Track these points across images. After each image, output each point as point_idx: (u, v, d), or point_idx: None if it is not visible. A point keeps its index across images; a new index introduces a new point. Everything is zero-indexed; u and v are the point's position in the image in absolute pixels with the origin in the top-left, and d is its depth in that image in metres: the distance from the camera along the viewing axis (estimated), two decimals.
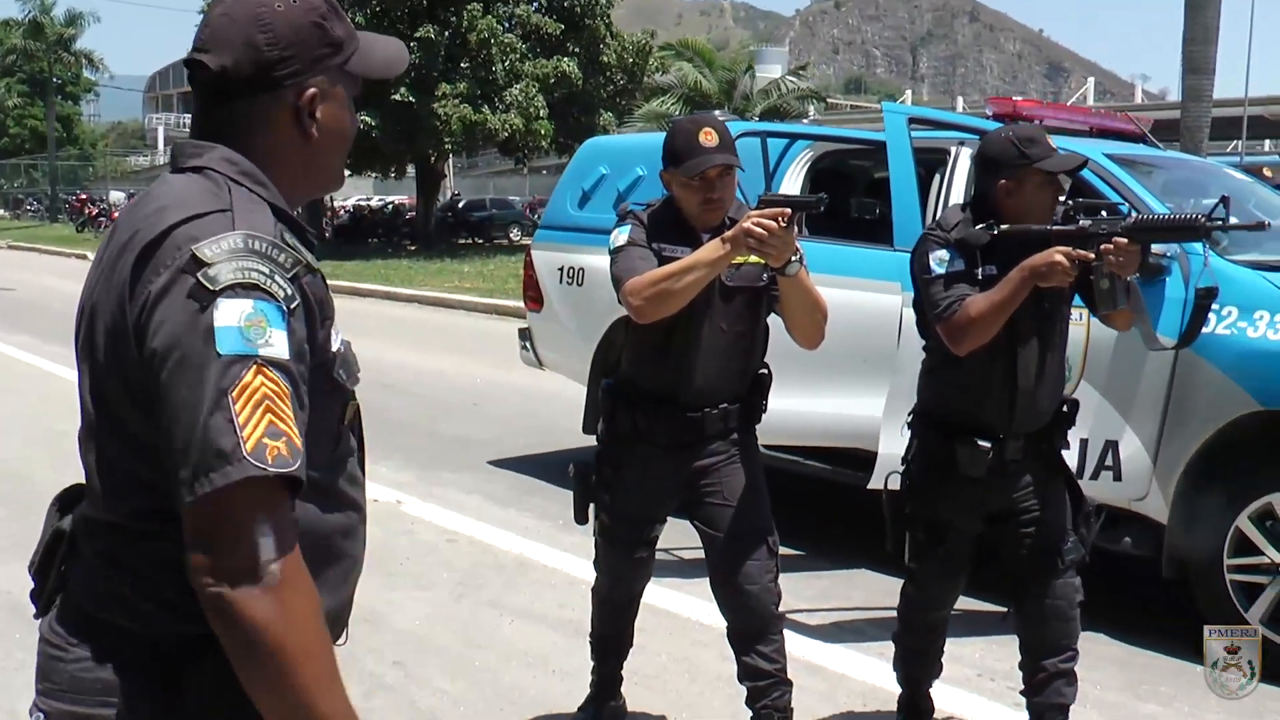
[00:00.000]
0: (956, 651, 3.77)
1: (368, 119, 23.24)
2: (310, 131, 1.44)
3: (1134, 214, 3.07)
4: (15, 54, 51.64)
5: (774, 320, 3.10)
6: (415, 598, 4.61)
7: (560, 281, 6.22)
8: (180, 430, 1.22)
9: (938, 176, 5.02)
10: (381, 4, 23.83)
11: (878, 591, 4.55)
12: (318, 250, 1.43)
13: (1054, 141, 3.13)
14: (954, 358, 3.03)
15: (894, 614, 3.45)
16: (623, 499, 3.17)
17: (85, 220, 34.79)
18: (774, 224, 2.66)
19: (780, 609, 3.11)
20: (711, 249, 2.80)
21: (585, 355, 5.96)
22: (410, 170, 28.68)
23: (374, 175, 30.91)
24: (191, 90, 1.47)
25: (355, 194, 44.37)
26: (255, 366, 1.23)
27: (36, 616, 1.46)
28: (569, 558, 5.00)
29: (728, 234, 2.75)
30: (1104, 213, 2.97)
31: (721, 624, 3.19)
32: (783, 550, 3.17)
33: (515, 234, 30.90)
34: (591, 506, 3.26)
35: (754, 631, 3.07)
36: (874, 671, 3.82)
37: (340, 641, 1.55)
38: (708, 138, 2.90)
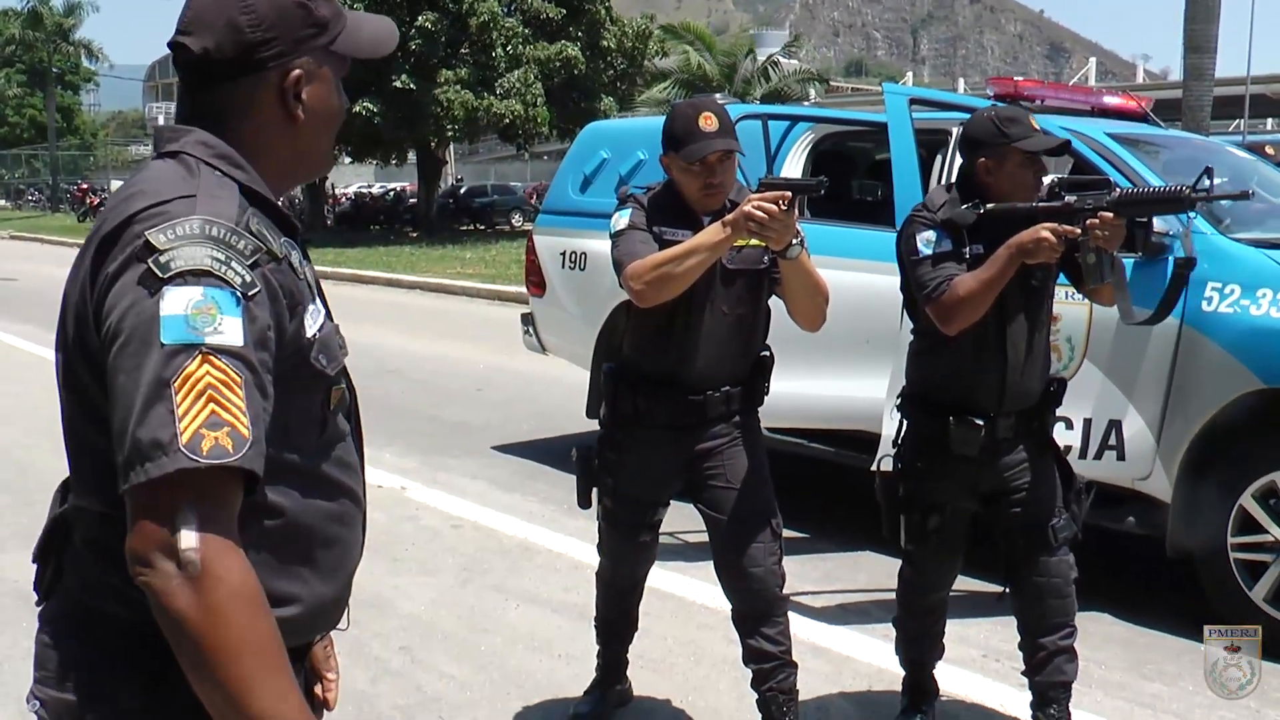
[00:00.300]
0: (961, 632, 3.78)
1: (369, 105, 23.22)
2: (296, 113, 1.42)
3: (1119, 188, 3.07)
4: (14, 44, 51.60)
5: (775, 303, 3.10)
6: (420, 583, 4.63)
7: (562, 266, 6.22)
8: (121, 417, 1.21)
9: (939, 158, 5.00)
10: None
11: (882, 573, 4.54)
12: (319, 237, 1.42)
13: (1042, 122, 3.12)
14: (943, 338, 3.03)
15: None
16: (625, 482, 3.16)
17: (87, 210, 34.83)
18: (774, 207, 2.65)
19: (785, 591, 3.11)
20: (712, 232, 2.79)
21: (588, 340, 5.97)
22: (411, 157, 28.67)
23: (375, 162, 30.87)
24: (176, 73, 1.46)
25: (357, 181, 44.38)
26: (200, 355, 1.21)
27: (39, 604, 1.46)
28: (573, 542, 5.01)
29: (728, 217, 2.74)
30: (1089, 188, 2.97)
31: (726, 607, 3.19)
32: (787, 533, 3.18)
33: (517, 220, 30.89)
34: (594, 490, 3.26)
35: (759, 614, 3.07)
36: (879, 653, 3.82)
37: (343, 626, 1.56)
38: (707, 122, 2.89)
